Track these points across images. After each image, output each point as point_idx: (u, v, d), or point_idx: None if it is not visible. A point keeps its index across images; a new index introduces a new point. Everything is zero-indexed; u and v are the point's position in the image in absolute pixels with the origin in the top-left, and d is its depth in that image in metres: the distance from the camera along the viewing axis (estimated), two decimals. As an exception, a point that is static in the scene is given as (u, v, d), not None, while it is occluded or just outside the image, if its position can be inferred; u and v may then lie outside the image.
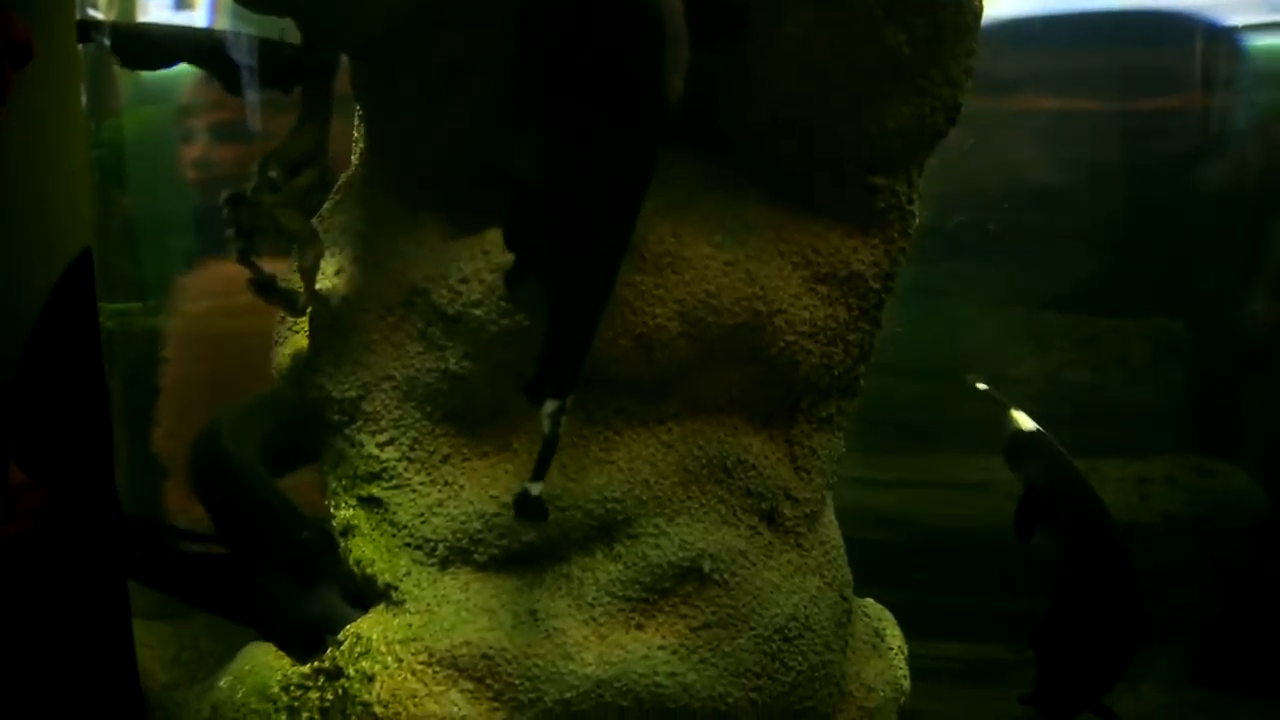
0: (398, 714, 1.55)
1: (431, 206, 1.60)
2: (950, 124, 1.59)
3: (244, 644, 1.77)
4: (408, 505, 1.60)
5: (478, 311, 1.51)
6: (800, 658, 1.61)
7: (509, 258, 1.48)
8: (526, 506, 1.43)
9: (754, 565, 1.59)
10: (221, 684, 1.73)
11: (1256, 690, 2.53)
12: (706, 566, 1.55)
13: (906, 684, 1.83)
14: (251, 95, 1.60)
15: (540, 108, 1.37)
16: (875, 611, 1.87)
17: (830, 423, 1.68)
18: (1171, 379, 2.56)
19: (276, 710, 1.64)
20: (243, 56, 1.58)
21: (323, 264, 1.62)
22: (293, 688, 1.65)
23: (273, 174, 1.50)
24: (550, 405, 1.39)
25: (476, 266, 1.51)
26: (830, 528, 1.71)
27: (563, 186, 1.37)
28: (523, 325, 1.49)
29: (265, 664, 1.72)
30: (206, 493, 1.89)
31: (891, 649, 1.83)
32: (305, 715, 1.62)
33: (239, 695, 1.70)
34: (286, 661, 1.70)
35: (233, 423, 1.88)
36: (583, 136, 1.36)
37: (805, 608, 1.62)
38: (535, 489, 1.42)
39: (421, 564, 1.60)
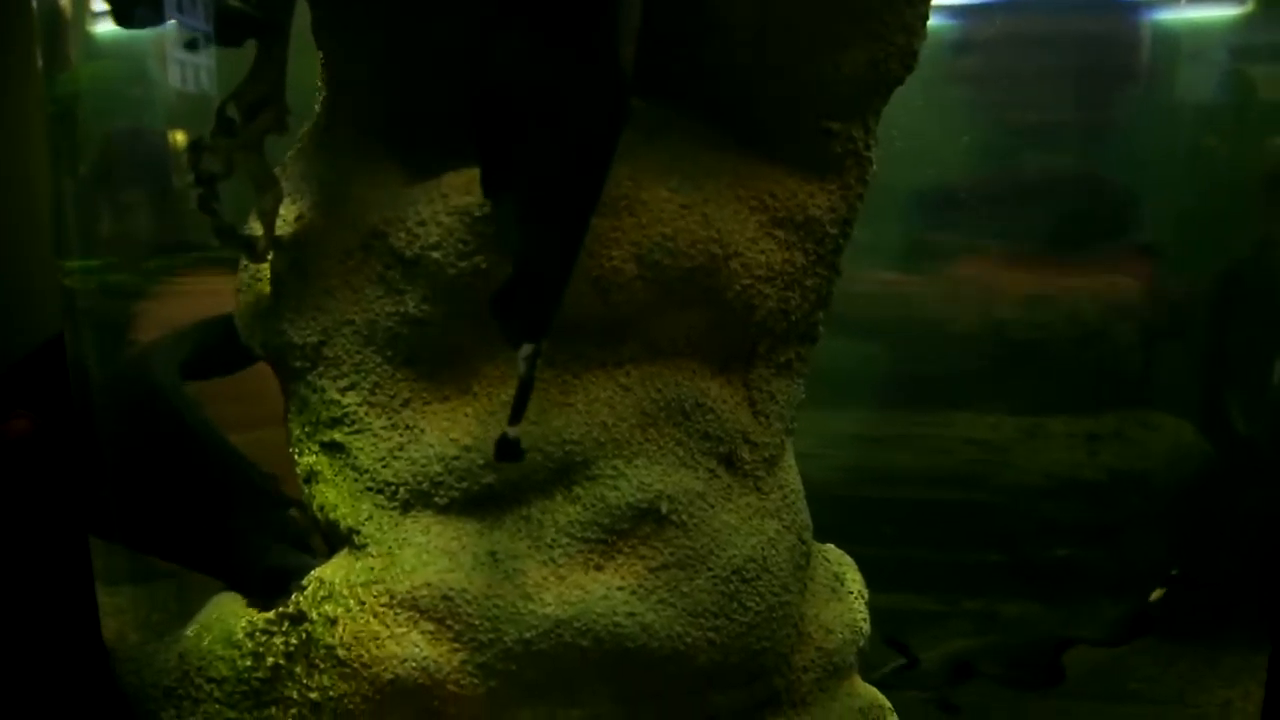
0: (360, 656, 1.54)
1: (390, 152, 1.58)
2: (907, 71, 1.57)
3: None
4: (369, 450, 1.58)
5: (435, 254, 1.48)
6: (758, 598, 1.59)
7: (466, 200, 1.46)
8: (505, 449, 1.39)
9: (712, 507, 1.57)
10: (188, 632, 1.72)
11: (1199, 639, 2.54)
12: (664, 508, 1.53)
13: (866, 627, 1.82)
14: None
15: (506, 68, 1.35)
16: (835, 556, 1.86)
17: (789, 368, 1.66)
18: (1124, 336, 2.54)
19: (242, 656, 1.63)
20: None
21: (284, 211, 1.60)
22: (258, 633, 1.63)
23: (231, 116, 1.47)
24: (526, 348, 1.37)
25: (434, 209, 1.48)
26: (790, 472, 1.69)
27: (533, 141, 1.35)
28: (480, 268, 1.47)
29: (231, 611, 1.70)
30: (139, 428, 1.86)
31: (851, 593, 1.82)
32: (270, 660, 1.60)
33: (205, 643, 1.68)
34: (252, 608, 1.68)
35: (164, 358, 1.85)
36: (543, 103, 1.34)
37: (763, 549, 1.60)
38: (513, 432, 1.39)
39: (383, 508, 1.58)
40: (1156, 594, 2.17)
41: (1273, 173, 2.49)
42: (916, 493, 2.55)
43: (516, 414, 1.39)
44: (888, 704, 1.83)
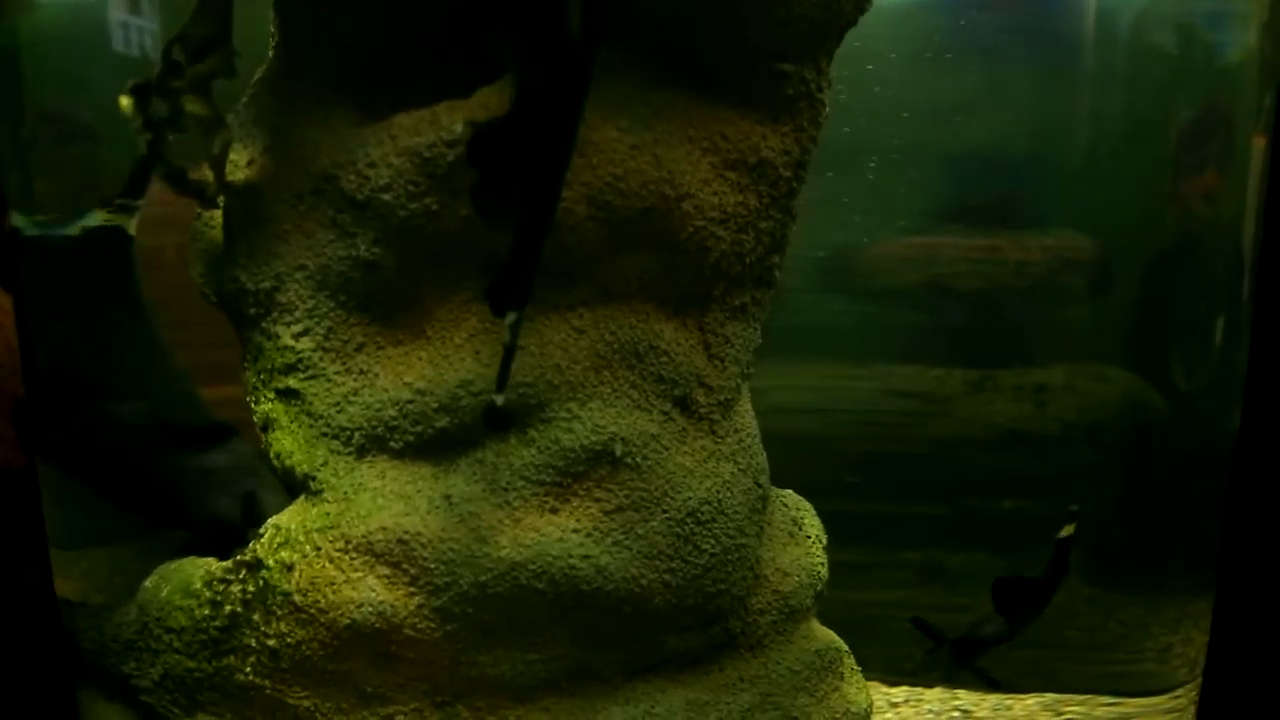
0: (316, 602, 1.48)
1: (342, 95, 1.50)
2: (860, 11, 1.52)
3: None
4: (323, 395, 1.51)
5: (386, 197, 1.41)
6: (713, 541, 1.54)
7: (416, 140, 1.39)
8: (493, 418, 1.37)
9: (666, 450, 1.52)
10: (147, 584, 1.65)
11: (1140, 588, 2.51)
12: (619, 450, 1.48)
13: (824, 572, 1.77)
14: None
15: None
16: (793, 501, 1.81)
17: (745, 312, 1.60)
18: (1074, 290, 2.49)
19: (200, 605, 1.56)
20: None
21: (236, 156, 1.52)
22: (215, 582, 1.57)
23: (177, 59, 1.39)
24: (511, 316, 1.33)
25: (384, 151, 1.41)
26: (746, 416, 1.64)
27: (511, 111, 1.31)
28: (431, 209, 1.40)
29: (189, 562, 1.63)
30: None
31: (809, 537, 1.77)
32: (228, 608, 1.54)
33: (164, 593, 1.62)
34: (210, 559, 1.61)
35: None
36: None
37: (718, 492, 1.55)
38: (500, 400, 1.35)
39: (338, 453, 1.52)
40: (1066, 530, 2.14)
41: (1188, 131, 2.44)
42: (859, 446, 2.50)
43: (501, 382, 1.35)
44: (844, 646, 1.79)
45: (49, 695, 1.82)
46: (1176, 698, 2.36)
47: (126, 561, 1.91)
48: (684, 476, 1.52)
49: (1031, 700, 2.36)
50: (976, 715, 2.29)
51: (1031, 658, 2.41)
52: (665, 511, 1.50)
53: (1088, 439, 2.49)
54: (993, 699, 2.34)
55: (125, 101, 1.42)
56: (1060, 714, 2.31)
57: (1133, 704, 2.36)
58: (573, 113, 1.32)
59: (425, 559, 1.45)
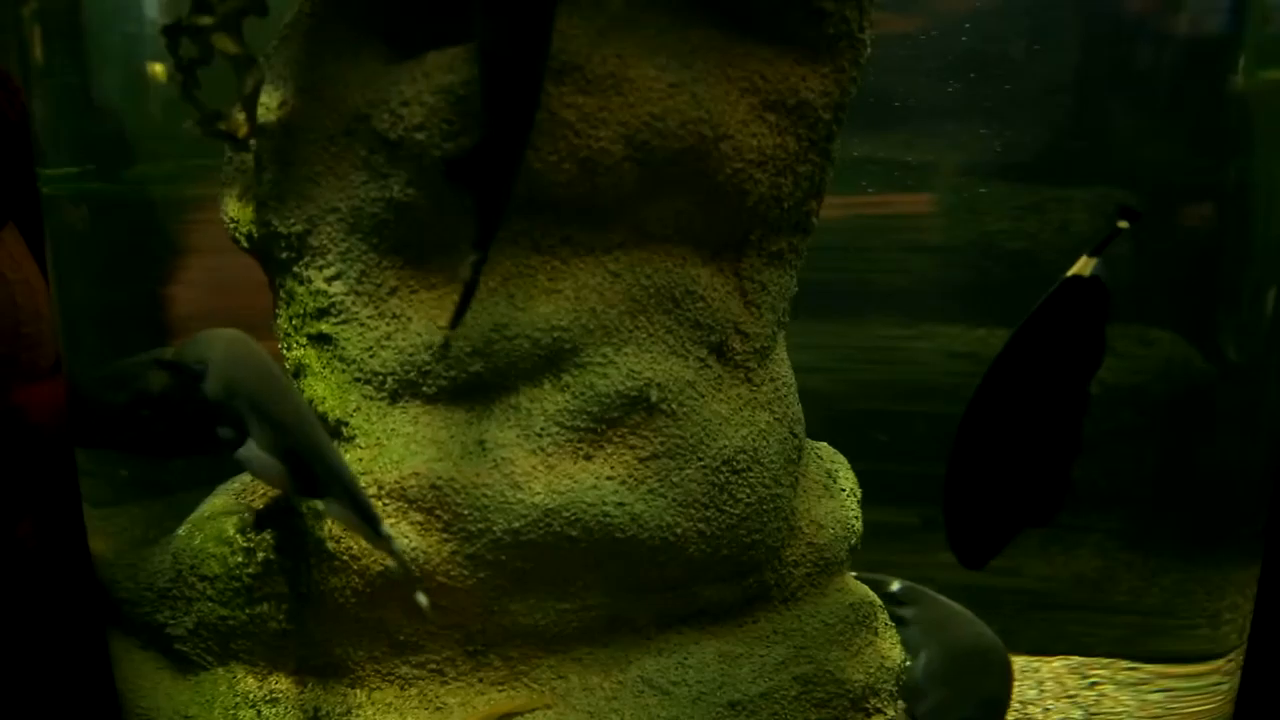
0: (349, 549, 1.49)
1: (374, 35, 1.49)
2: (901, -50, 1.49)
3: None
4: (356, 340, 1.51)
5: (419, 136, 1.40)
6: (748, 490, 1.54)
7: (450, 78, 1.38)
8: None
9: (702, 397, 1.51)
10: (180, 532, 1.66)
11: (1180, 556, 2.48)
12: (654, 396, 1.47)
13: (858, 525, 1.77)
14: None
15: None
16: (827, 454, 1.80)
17: (781, 258, 1.59)
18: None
19: (233, 552, 1.57)
20: None
21: (267, 98, 1.52)
22: (249, 529, 1.57)
23: (207, -4, 1.38)
24: (472, 255, 1.35)
25: (417, 89, 1.40)
26: (782, 365, 1.63)
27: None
28: (466, 149, 1.39)
29: (223, 508, 1.64)
30: None
31: (844, 490, 1.76)
32: (261, 555, 1.55)
33: (197, 541, 1.63)
34: (244, 505, 1.62)
35: None
36: None
37: (754, 441, 1.54)
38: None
39: (371, 398, 1.52)
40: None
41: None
42: (901, 406, 2.47)
43: (457, 318, 1.37)
44: (878, 601, 1.78)
45: (83, 645, 1.83)
46: (1203, 666, 2.34)
47: (160, 515, 1.93)
48: (720, 424, 1.51)
49: (1058, 662, 2.34)
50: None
51: (1079, 621, 2.40)
52: (700, 459, 1.50)
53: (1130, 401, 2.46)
54: (1020, 660, 2.33)
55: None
56: (1086, 676, 2.30)
57: (1148, 669, 2.34)
58: (537, 46, 1.31)
59: (458, 505, 1.46)
